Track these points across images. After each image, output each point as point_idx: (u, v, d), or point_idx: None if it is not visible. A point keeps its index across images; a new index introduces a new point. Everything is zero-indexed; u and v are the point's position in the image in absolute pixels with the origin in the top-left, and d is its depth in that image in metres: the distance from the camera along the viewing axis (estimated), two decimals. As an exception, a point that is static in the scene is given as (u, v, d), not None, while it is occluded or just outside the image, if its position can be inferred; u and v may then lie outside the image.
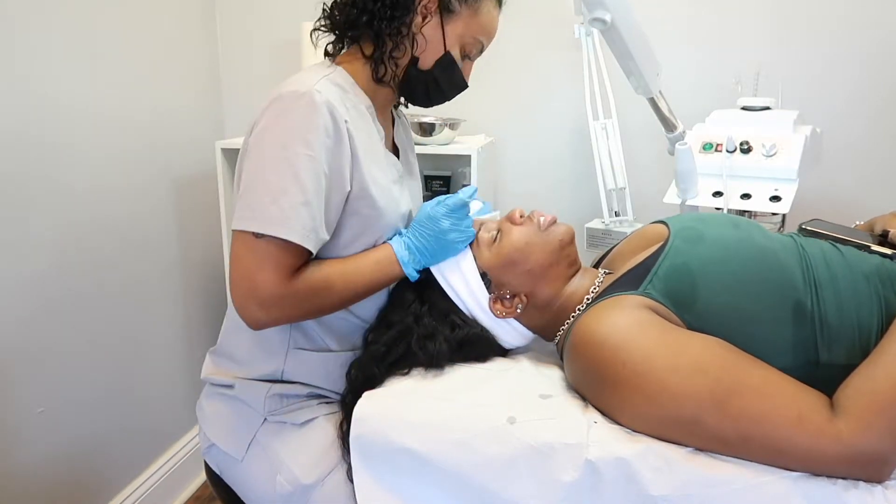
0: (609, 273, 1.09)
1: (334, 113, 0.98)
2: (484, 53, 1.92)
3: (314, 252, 0.98)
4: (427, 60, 1.09)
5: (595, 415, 0.90)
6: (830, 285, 0.92)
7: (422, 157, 1.93)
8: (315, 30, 1.11)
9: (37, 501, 1.53)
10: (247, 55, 2.14)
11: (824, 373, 0.88)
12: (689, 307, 0.91)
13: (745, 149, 1.35)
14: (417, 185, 1.28)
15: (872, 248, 1.00)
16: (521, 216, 1.08)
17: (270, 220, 0.94)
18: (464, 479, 0.89)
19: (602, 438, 0.86)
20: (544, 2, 1.86)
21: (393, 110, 1.23)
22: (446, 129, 1.78)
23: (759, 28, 1.78)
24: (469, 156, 1.75)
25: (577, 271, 1.09)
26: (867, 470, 0.78)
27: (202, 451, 1.16)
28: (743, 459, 0.81)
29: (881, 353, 0.85)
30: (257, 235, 0.95)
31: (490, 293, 1.06)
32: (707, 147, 1.40)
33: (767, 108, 1.43)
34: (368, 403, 0.97)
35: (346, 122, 0.99)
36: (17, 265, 1.45)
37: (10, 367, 1.45)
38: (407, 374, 1.03)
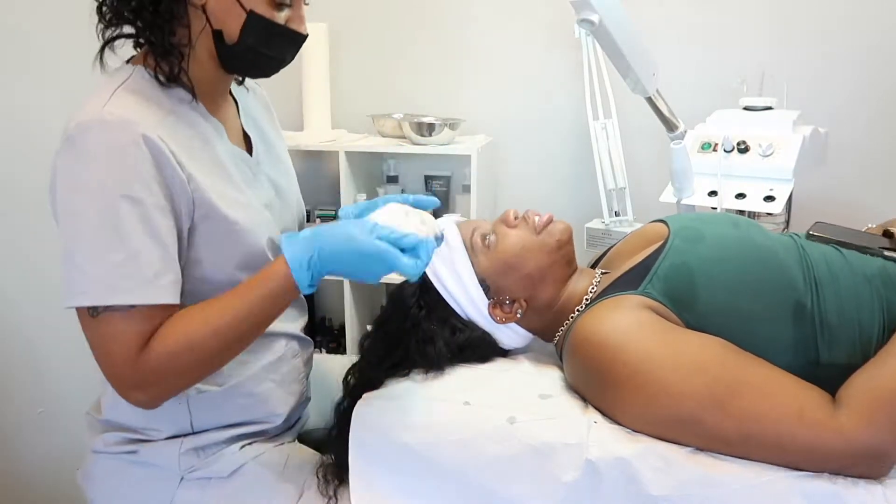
0: (606, 273, 1.09)
1: (137, 131, 0.82)
2: (485, 53, 1.90)
3: (165, 300, 0.83)
4: (231, 32, 0.88)
5: (595, 415, 0.90)
6: (831, 285, 0.92)
7: (422, 157, 1.95)
8: (110, 39, 0.92)
9: (37, 501, 1.53)
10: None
11: (825, 372, 0.88)
12: (689, 306, 0.91)
13: (742, 149, 1.36)
14: (283, 165, 1.10)
15: (886, 253, 0.99)
16: (515, 218, 1.08)
17: (98, 290, 0.80)
18: (464, 480, 0.89)
19: (602, 438, 0.86)
20: (544, 2, 1.86)
21: (233, 90, 1.05)
22: (446, 129, 1.78)
23: (762, 28, 1.78)
24: (469, 156, 1.75)
25: (574, 271, 1.09)
26: (867, 465, 0.78)
27: None
28: (744, 458, 0.82)
29: (887, 353, 0.85)
30: (91, 312, 0.81)
31: (489, 299, 1.05)
32: (706, 147, 1.40)
33: (769, 108, 1.43)
34: (368, 404, 0.97)
35: (159, 136, 0.83)
36: (16, 265, 1.45)
37: (10, 367, 1.45)
38: (406, 375, 1.03)
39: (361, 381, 1.03)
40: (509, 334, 1.08)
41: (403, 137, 1.83)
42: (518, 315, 1.05)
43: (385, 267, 0.81)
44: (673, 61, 1.70)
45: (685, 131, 1.49)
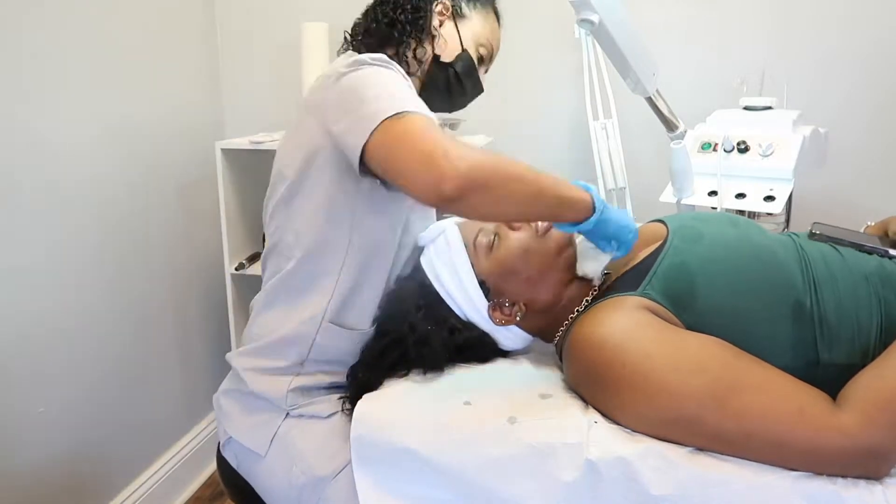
0: (607, 273, 1.09)
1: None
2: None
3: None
4: (448, 56, 1.19)
5: (595, 415, 0.90)
6: (829, 284, 0.92)
7: (422, 157, 1.94)
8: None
9: (37, 501, 1.53)
10: (247, 55, 2.14)
11: (825, 373, 0.88)
12: (688, 307, 0.91)
13: (742, 148, 1.36)
14: None
15: (892, 253, 0.99)
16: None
17: (401, 102, 0.92)
18: (464, 479, 0.89)
19: (602, 438, 0.86)
20: (544, 2, 1.86)
21: None
22: (446, 129, 1.78)
23: (762, 28, 1.78)
24: (469, 156, 1.75)
25: (575, 274, 1.09)
26: (868, 465, 0.78)
27: (221, 445, 1.16)
28: (745, 458, 0.81)
29: (889, 354, 0.85)
30: (397, 116, 0.90)
31: (489, 300, 1.05)
32: (706, 146, 1.40)
33: (769, 108, 1.43)
34: (368, 404, 0.97)
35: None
36: (17, 265, 1.45)
37: (10, 367, 1.45)
38: (406, 375, 1.03)
39: (361, 381, 1.03)
40: (509, 336, 1.08)
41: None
42: (517, 318, 1.05)
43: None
44: (673, 61, 1.70)
45: (685, 131, 1.49)
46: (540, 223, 1.06)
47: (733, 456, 0.82)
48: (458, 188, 0.84)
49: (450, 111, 1.28)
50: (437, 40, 1.18)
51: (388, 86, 0.97)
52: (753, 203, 1.32)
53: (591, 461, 0.84)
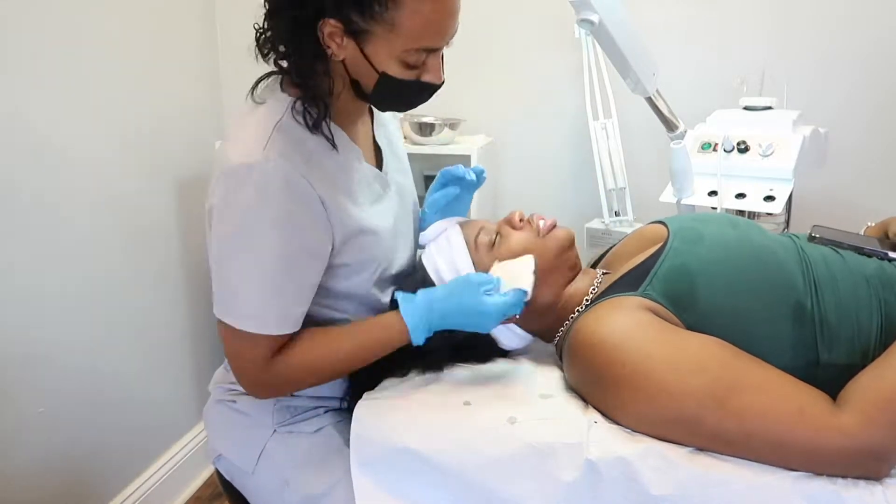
0: (607, 273, 1.09)
1: (290, 178, 0.90)
2: (485, 53, 1.92)
3: (292, 329, 0.96)
4: (367, 84, 0.95)
5: (595, 415, 0.90)
6: (830, 285, 0.92)
7: (422, 157, 1.94)
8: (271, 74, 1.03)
9: (37, 501, 1.53)
10: (247, 55, 2.13)
11: (824, 373, 0.88)
12: (689, 308, 0.91)
13: (742, 148, 1.36)
14: (406, 178, 1.21)
15: (891, 255, 0.99)
16: (520, 220, 1.08)
17: (242, 316, 0.93)
18: (464, 479, 0.89)
19: (602, 438, 0.86)
20: (544, 2, 1.86)
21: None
22: (446, 129, 1.78)
23: (762, 28, 1.78)
24: (469, 156, 1.75)
25: (576, 274, 1.09)
26: (867, 465, 0.78)
27: (212, 460, 1.16)
28: (745, 458, 0.82)
29: (890, 354, 0.85)
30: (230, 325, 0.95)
31: None
32: (706, 146, 1.40)
33: (769, 108, 1.43)
34: (368, 404, 0.97)
35: (304, 177, 0.92)
36: (16, 265, 1.45)
37: (10, 367, 1.45)
38: (405, 375, 1.03)
39: (361, 381, 1.03)
40: (509, 335, 1.08)
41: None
42: (517, 316, 1.05)
43: (494, 320, 0.95)
44: (673, 61, 1.70)
45: (685, 131, 1.49)
46: (542, 222, 1.06)
47: (733, 456, 0.82)
48: (263, 391, 1.01)
49: (408, 110, 1.08)
50: (346, 67, 0.94)
51: (244, 276, 0.92)
52: (753, 203, 1.32)
53: (591, 461, 0.84)
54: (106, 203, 1.68)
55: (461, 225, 1.11)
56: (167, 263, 1.94)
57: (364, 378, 1.04)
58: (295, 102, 0.96)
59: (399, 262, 1.10)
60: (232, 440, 1.11)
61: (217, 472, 1.17)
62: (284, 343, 0.96)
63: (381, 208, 1.06)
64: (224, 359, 1.14)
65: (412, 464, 0.91)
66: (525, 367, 1.06)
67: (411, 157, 1.98)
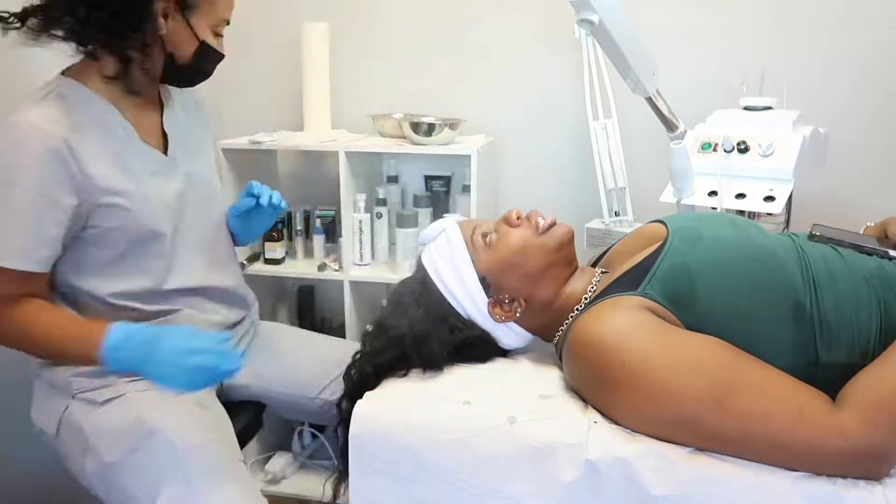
0: (606, 272, 1.09)
1: (50, 138, 1.01)
2: (485, 52, 1.93)
3: (39, 270, 1.05)
4: (184, 55, 1.12)
5: (595, 415, 0.90)
6: (829, 285, 0.92)
7: (422, 157, 1.95)
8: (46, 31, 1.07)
9: (36, 502, 1.53)
10: (247, 55, 2.13)
11: (824, 373, 0.88)
12: (688, 307, 0.91)
13: (743, 149, 1.35)
14: (205, 165, 1.29)
15: (892, 254, 0.99)
16: (517, 217, 1.08)
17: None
18: (463, 479, 0.89)
19: (602, 438, 0.86)
20: (544, 2, 1.86)
21: (162, 93, 1.23)
22: (446, 129, 1.78)
23: (762, 28, 1.78)
24: (469, 156, 1.75)
25: (574, 271, 1.09)
26: (867, 465, 0.78)
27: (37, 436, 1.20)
28: (744, 458, 0.82)
29: (889, 355, 0.85)
30: None
31: (489, 297, 1.06)
32: (706, 147, 1.40)
33: (769, 108, 1.43)
34: (368, 403, 0.97)
35: (65, 140, 1.02)
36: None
37: (9, 367, 1.45)
38: (405, 375, 1.03)
39: (360, 380, 1.03)
40: (509, 334, 1.08)
41: (403, 137, 1.83)
42: (517, 314, 1.06)
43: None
44: (673, 61, 1.70)
45: (685, 131, 1.49)
46: (541, 220, 1.07)
47: (733, 456, 0.82)
48: None
49: (192, 86, 1.23)
50: (164, 42, 1.09)
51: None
52: (753, 203, 1.32)
53: (591, 461, 0.84)
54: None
55: (460, 224, 1.12)
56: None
57: (364, 378, 1.04)
58: (119, 69, 1.08)
59: (166, 244, 1.16)
60: (40, 407, 1.18)
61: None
62: (30, 295, 1.05)
63: (157, 182, 1.14)
64: None
65: (411, 463, 0.91)
66: (525, 366, 1.06)
67: (412, 157, 1.99)
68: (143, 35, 1.06)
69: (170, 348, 1.00)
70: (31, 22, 1.06)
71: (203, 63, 1.15)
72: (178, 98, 1.26)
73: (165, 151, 1.19)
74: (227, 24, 1.18)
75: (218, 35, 1.16)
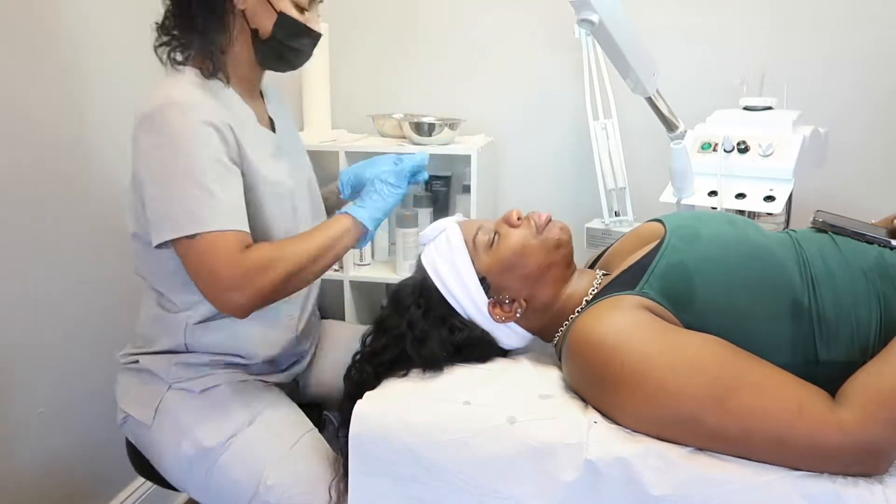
0: (606, 274, 1.09)
1: (202, 109, 1.04)
2: (485, 52, 1.92)
3: (244, 227, 1.04)
4: (265, 29, 1.12)
5: (595, 415, 0.90)
6: (827, 282, 0.92)
7: (422, 158, 1.95)
8: (161, 45, 1.14)
9: (36, 501, 1.53)
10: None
11: (824, 371, 0.88)
12: (687, 306, 0.91)
13: (742, 148, 1.36)
14: (301, 155, 1.32)
15: (893, 243, 0.99)
16: (518, 218, 1.08)
17: (193, 221, 1.00)
18: (463, 479, 0.89)
19: (602, 438, 0.86)
20: (544, 2, 1.86)
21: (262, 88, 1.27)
22: (446, 129, 1.78)
23: (762, 28, 1.78)
24: (469, 156, 1.76)
25: (573, 272, 1.09)
26: (867, 463, 0.78)
27: (119, 426, 1.22)
28: (745, 457, 0.82)
29: (889, 351, 0.85)
30: (190, 237, 1.01)
31: (489, 297, 1.06)
32: (706, 146, 1.40)
33: (769, 108, 1.43)
34: (369, 403, 0.97)
35: (217, 117, 1.05)
36: (17, 265, 1.45)
37: (10, 367, 1.45)
38: (405, 375, 1.03)
39: (361, 380, 1.03)
40: (509, 334, 1.08)
41: (403, 137, 1.83)
42: (517, 314, 1.06)
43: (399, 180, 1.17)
44: (673, 61, 1.70)
45: (685, 131, 1.49)
46: (539, 218, 1.07)
47: (733, 455, 0.82)
48: (246, 311, 1.04)
49: (294, 69, 1.23)
50: (245, 17, 1.11)
51: (185, 187, 1.01)
52: (753, 203, 1.32)
53: (591, 461, 0.84)
54: (105, 201, 1.68)
55: (460, 224, 1.12)
56: (167, 263, 1.94)
57: (364, 378, 1.04)
58: (200, 69, 1.11)
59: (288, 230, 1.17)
60: (133, 396, 1.19)
61: (126, 441, 1.25)
62: (249, 244, 1.04)
63: (272, 162, 1.17)
64: (133, 327, 1.27)
65: (411, 463, 0.91)
66: (525, 366, 1.06)
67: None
68: (221, 15, 1.09)
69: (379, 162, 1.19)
70: (162, 50, 1.14)
71: (286, 37, 1.13)
72: (272, 95, 1.29)
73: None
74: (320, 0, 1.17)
75: (302, 9, 1.14)
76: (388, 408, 0.96)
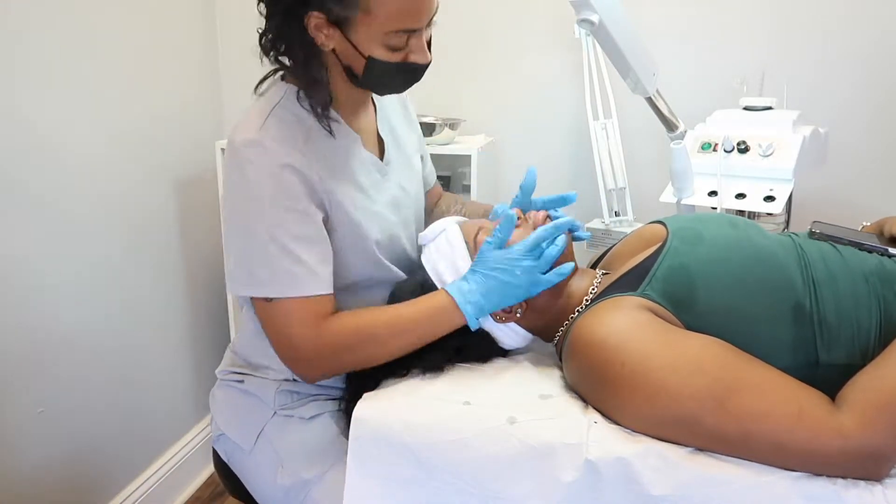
0: (607, 274, 1.09)
1: (285, 157, 0.98)
2: (485, 52, 1.92)
3: (328, 290, 1.00)
4: (357, 69, 1.03)
5: (595, 415, 0.90)
6: (829, 285, 0.92)
7: (422, 157, 1.95)
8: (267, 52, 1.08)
9: (37, 501, 1.53)
10: (247, 55, 2.13)
11: (824, 373, 0.88)
12: (688, 308, 0.91)
13: (743, 148, 1.35)
14: (412, 164, 1.25)
15: (891, 251, 0.99)
16: (518, 218, 1.08)
17: (272, 285, 0.97)
18: (463, 480, 0.89)
19: (602, 438, 0.86)
20: (544, 2, 1.86)
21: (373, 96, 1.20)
22: (446, 129, 1.78)
23: (762, 28, 1.78)
24: (469, 156, 1.75)
25: (575, 272, 1.09)
26: (867, 466, 0.78)
27: (212, 440, 1.20)
28: (744, 459, 0.81)
29: (888, 355, 0.85)
30: (268, 300, 0.99)
31: None
32: (706, 147, 1.40)
33: (769, 108, 1.43)
34: (368, 404, 0.97)
35: (301, 161, 1.00)
36: (15, 265, 1.45)
37: (10, 367, 1.45)
38: (405, 375, 1.03)
39: (360, 380, 1.03)
40: (509, 334, 1.08)
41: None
42: (518, 315, 1.05)
43: (532, 283, 1.01)
44: (673, 61, 1.70)
45: (685, 131, 1.49)
46: (537, 217, 1.07)
47: (733, 456, 0.82)
48: (315, 381, 1.05)
49: (401, 92, 1.14)
50: (336, 55, 1.02)
51: (263, 246, 0.97)
52: (753, 203, 1.32)
53: (591, 461, 0.84)
54: (106, 202, 1.68)
55: (460, 225, 1.12)
56: (167, 262, 1.94)
57: (364, 378, 1.04)
58: (298, 92, 1.05)
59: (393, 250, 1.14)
60: (234, 419, 1.16)
61: (214, 454, 1.21)
62: (329, 313, 1.00)
63: (375, 196, 1.12)
64: (231, 342, 1.25)
65: (412, 464, 0.91)
66: (525, 366, 1.06)
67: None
68: (307, 56, 1.01)
69: (493, 258, 1.00)
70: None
71: (380, 75, 1.03)
72: (388, 101, 1.23)
73: (381, 156, 1.17)
74: (414, 31, 1.00)
75: (395, 49, 1.00)
76: (387, 408, 0.96)
